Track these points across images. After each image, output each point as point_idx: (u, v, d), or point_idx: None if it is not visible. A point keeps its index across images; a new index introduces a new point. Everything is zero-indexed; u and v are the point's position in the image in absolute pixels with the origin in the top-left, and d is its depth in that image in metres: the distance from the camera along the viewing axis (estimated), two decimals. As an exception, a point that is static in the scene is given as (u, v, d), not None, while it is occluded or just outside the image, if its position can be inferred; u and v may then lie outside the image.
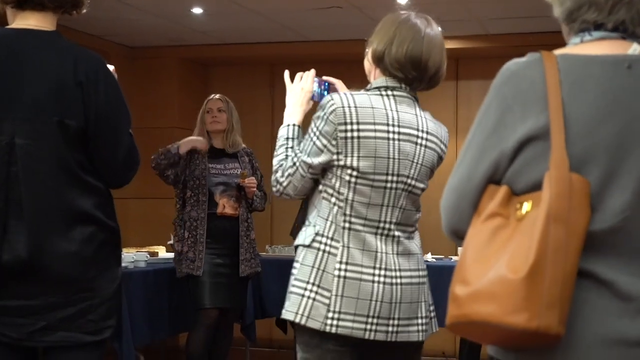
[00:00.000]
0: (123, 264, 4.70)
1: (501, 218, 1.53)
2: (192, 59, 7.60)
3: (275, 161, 2.66)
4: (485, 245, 1.51)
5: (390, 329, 2.54)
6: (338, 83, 2.86)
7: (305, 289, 2.51)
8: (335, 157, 2.52)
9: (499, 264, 1.46)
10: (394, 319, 2.55)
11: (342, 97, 2.53)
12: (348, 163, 2.51)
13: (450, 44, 6.35)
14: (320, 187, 2.58)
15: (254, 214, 5.32)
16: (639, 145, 1.52)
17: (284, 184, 2.61)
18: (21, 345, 2.46)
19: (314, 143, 2.55)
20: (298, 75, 2.80)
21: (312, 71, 2.80)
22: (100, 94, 2.44)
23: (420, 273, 2.65)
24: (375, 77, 2.64)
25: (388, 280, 2.54)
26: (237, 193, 5.09)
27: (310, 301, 2.50)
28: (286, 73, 2.84)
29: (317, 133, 2.54)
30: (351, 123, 2.51)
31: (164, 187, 6.16)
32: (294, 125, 2.71)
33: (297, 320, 2.51)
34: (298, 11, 6.34)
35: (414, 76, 2.59)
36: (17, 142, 2.39)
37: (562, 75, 1.54)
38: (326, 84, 2.83)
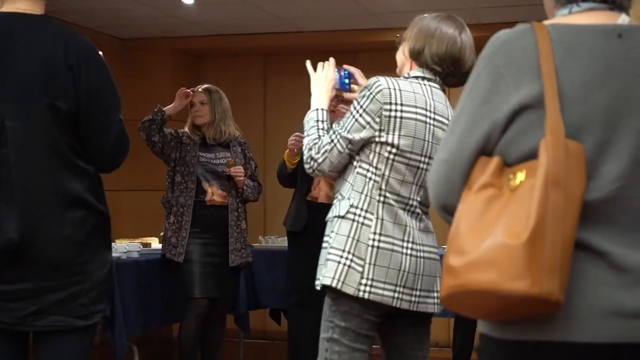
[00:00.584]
0: (116, 254, 4.73)
1: (494, 189, 1.51)
2: (184, 51, 7.58)
3: (307, 141, 2.85)
4: (480, 216, 1.49)
5: (413, 298, 2.74)
6: (357, 72, 3.06)
7: (342, 257, 2.69)
8: (376, 133, 2.70)
9: (496, 232, 1.44)
10: (416, 289, 2.75)
11: (388, 80, 2.73)
12: (389, 140, 2.70)
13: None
14: (355, 163, 2.75)
15: (248, 205, 5.31)
16: (633, 113, 1.51)
17: (319, 160, 2.78)
18: (12, 329, 2.45)
19: (356, 120, 2.72)
20: (320, 64, 3.00)
21: (332, 60, 3.00)
22: (91, 78, 2.43)
23: (436, 250, 2.86)
24: (411, 69, 2.84)
25: (414, 253, 2.75)
26: (226, 182, 5.08)
27: (346, 268, 2.68)
28: (308, 63, 3.05)
29: (361, 110, 2.71)
30: (396, 103, 2.70)
31: (156, 180, 6.17)
32: (322, 109, 2.91)
33: (334, 285, 2.68)
34: (291, 1, 6.33)
35: (451, 71, 2.80)
36: (8, 125, 2.38)
37: (554, 43, 1.53)
38: (347, 72, 3.03)
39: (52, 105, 2.39)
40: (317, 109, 2.92)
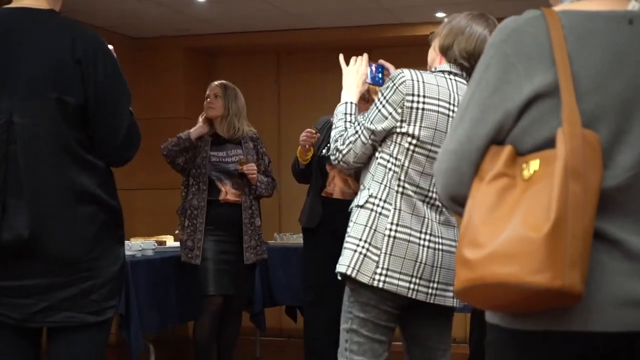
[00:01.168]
0: (130, 253, 4.72)
1: (507, 178, 1.49)
2: (197, 49, 7.57)
3: (334, 132, 2.91)
4: (494, 207, 1.47)
5: (430, 290, 2.74)
6: (391, 67, 3.09)
7: (358, 245, 2.73)
8: (398, 124, 2.73)
9: (514, 223, 1.42)
10: (434, 282, 2.75)
11: (412, 72, 2.76)
12: (410, 131, 2.73)
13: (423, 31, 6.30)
14: (377, 154, 2.79)
15: (262, 201, 5.29)
16: None
17: (344, 151, 2.83)
18: (24, 326, 2.43)
19: (379, 110, 2.76)
20: (352, 59, 3.06)
21: (365, 55, 3.06)
22: (99, 72, 2.41)
23: (456, 244, 2.79)
24: (440, 64, 2.87)
25: (432, 245, 2.75)
26: (239, 180, 5.07)
27: (362, 257, 2.72)
28: (341, 57, 3.12)
29: (384, 101, 2.76)
30: (418, 95, 2.73)
31: (170, 178, 6.15)
32: (351, 103, 2.98)
33: (349, 272, 2.73)
34: (302, -3, 6.30)
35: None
36: (16, 121, 2.36)
37: (566, 30, 1.51)
38: (380, 67, 3.08)
39: (60, 100, 2.37)
40: (346, 102, 2.98)
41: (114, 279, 2.51)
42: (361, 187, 2.84)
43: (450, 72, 2.82)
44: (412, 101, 2.72)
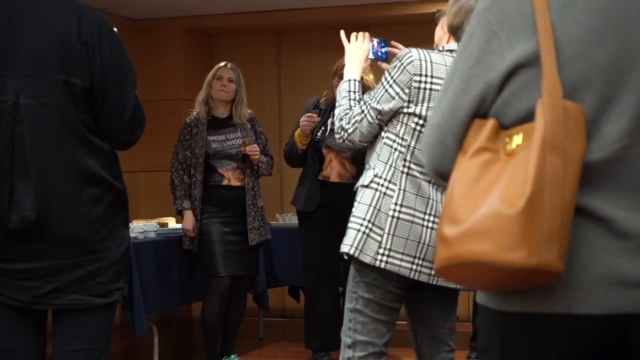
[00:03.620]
0: (133, 235, 4.72)
1: (490, 153, 1.43)
2: (197, 30, 7.53)
3: (339, 111, 2.87)
4: (475, 182, 1.41)
5: (433, 272, 2.69)
6: (400, 46, 3.02)
7: (361, 225, 2.70)
8: (405, 104, 2.71)
9: (491, 199, 1.36)
10: (432, 262, 2.65)
11: (420, 51, 2.73)
12: (417, 111, 2.70)
13: (428, 8, 6.27)
14: (383, 133, 2.76)
15: (264, 183, 5.29)
16: (635, 68, 1.43)
17: (350, 130, 2.79)
18: (30, 308, 2.44)
19: (386, 90, 2.73)
20: (353, 35, 3.02)
21: (366, 33, 3.02)
22: (105, 53, 2.40)
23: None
24: (447, 43, 2.84)
25: (436, 226, 2.59)
26: (241, 164, 5.07)
27: (365, 236, 2.69)
28: (342, 33, 3.08)
29: (391, 81, 2.72)
30: (426, 75, 2.70)
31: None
32: (355, 80, 2.93)
33: (351, 252, 2.70)
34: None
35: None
36: (22, 102, 2.35)
37: None
38: (383, 42, 3.07)
39: (66, 81, 2.36)
40: (349, 80, 2.93)
41: (120, 261, 2.51)
42: (367, 166, 2.82)
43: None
44: (420, 81, 2.70)
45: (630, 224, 1.41)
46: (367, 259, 2.69)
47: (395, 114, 2.73)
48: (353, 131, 2.79)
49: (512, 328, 1.47)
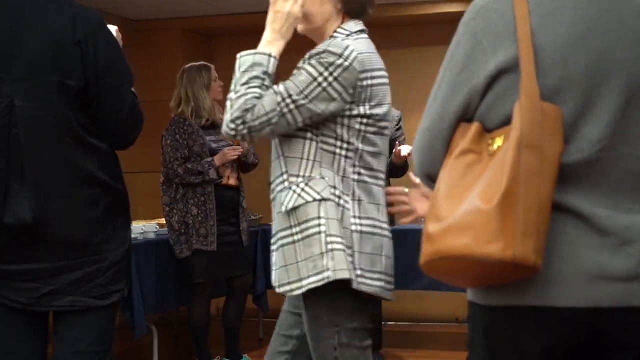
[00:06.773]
0: (132, 235, 4.71)
1: (474, 154, 1.51)
2: (196, 30, 7.53)
3: (240, 96, 2.27)
4: (458, 181, 1.49)
5: (392, 286, 2.43)
6: None
7: (345, 245, 2.30)
8: (347, 106, 2.30)
9: (472, 196, 1.43)
10: (391, 275, 2.42)
11: (354, 42, 2.35)
12: (362, 111, 2.32)
13: (452, 7, 6.27)
14: (314, 137, 2.32)
15: (263, 182, 5.27)
16: (614, 74, 1.50)
17: (255, 127, 2.25)
18: (29, 310, 2.43)
19: (324, 89, 2.26)
20: None
21: None
22: (99, 53, 2.38)
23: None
24: (340, 21, 2.43)
25: (388, 233, 2.43)
26: (234, 164, 5.11)
27: (350, 258, 2.30)
28: None
29: (331, 79, 2.27)
30: (371, 70, 2.33)
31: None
32: (273, 57, 2.36)
33: (326, 276, 2.28)
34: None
35: (368, 13, 2.48)
36: (17, 104, 2.33)
37: (532, 6, 1.52)
38: None
39: (61, 82, 2.35)
40: (267, 55, 2.35)
41: (120, 262, 2.50)
42: (289, 177, 2.35)
43: (362, 31, 2.43)
44: (365, 78, 2.30)
45: (609, 221, 1.48)
46: (350, 283, 2.29)
47: (332, 116, 2.29)
48: (260, 129, 2.25)
49: (496, 321, 1.54)
